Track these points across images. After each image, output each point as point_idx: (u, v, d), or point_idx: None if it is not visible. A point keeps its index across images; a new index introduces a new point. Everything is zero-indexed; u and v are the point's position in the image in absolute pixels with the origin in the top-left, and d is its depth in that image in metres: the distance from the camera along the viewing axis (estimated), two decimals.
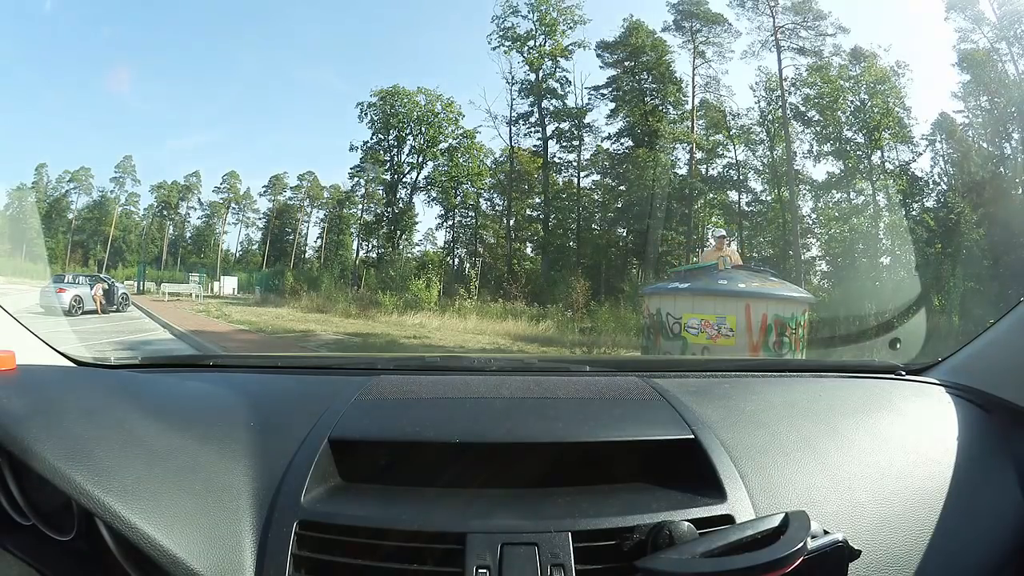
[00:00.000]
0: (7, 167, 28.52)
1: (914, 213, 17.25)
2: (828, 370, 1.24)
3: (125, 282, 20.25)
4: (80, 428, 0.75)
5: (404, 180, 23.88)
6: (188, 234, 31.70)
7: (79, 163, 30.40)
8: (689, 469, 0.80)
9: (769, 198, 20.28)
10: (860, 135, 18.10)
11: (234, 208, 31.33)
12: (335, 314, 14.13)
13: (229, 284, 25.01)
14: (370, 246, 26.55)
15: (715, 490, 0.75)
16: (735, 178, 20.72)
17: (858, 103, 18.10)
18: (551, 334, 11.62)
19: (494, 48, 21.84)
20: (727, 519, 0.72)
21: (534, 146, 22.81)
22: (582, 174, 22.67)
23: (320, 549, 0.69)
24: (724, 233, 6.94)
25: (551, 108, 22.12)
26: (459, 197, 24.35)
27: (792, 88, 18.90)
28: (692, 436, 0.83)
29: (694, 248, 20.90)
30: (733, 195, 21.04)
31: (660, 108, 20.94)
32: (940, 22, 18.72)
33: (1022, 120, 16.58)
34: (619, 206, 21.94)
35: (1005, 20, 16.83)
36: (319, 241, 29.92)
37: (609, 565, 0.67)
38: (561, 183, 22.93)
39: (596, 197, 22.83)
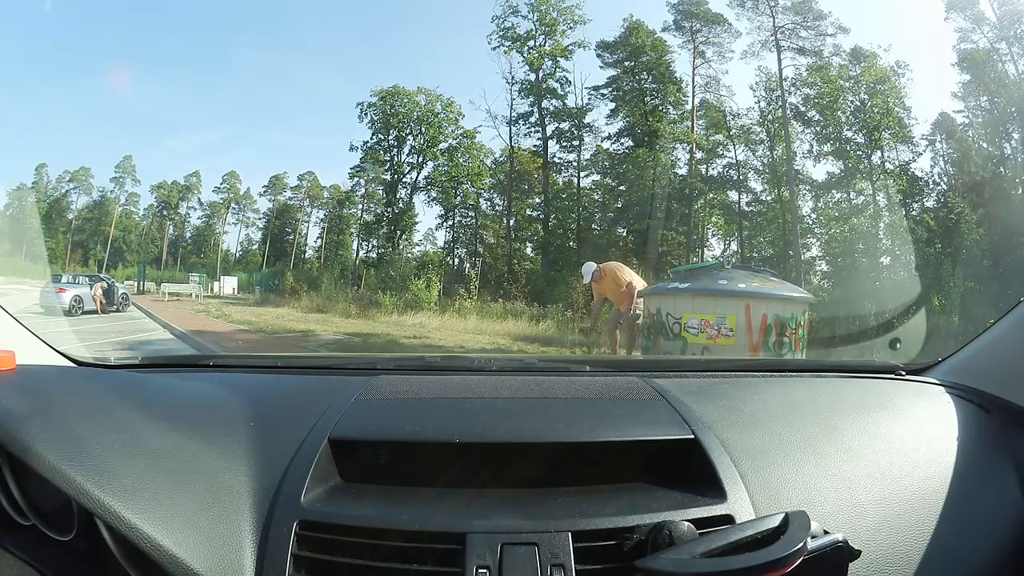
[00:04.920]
0: (7, 167, 28.55)
1: (914, 213, 17.25)
2: (828, 370, 1.24)
3: (125, 282, 20.26)
4: (80, 428, 0.75)
5: (404, 180, 23.93)
6: (188, 234, 31.78)
7: (79, 163, 30.53)
8: (689, 469, 0.80)
9: (769, 198, 20.30)
10: (860, 135, 18.10)
11: (234, 208, 31.39)
12: (335, 314, 14.11)
13: (229, 284, 25.02)
14: (370, 246, 26.63)
15: (715, 490, 0.75)
16: (735, 178, 20.76)
17: (858, 103, 18.11)
18: (551, 334, 11.60)
19: (494, 48, 21.90)
20: (727, 519, 0.72)
21: (534, 146, 22.87)
22: (582, 174, 22.73)
23: (320, 549, 0.69)
24: (595, 266, 6.61)
25: (551, 108, 22.17)
26: (459, 197, 24.37)
27: (792, 88, 18.94)
28: (692, 436, 0.83)
29: (694, 248, 20.93)
30: (733, 195, 21.11)
31: (660, 108, 20.95)
32: (940, 22, 18.74)
33: (1022, 120, 16.59)
34: (619, 206, 21.95)
35: (1005, 20, 16.84)
36: (319, 241, 29.99)
37: (609, 565, 0.67)
38: (561, 183, 22.96)
39: (596, 197, 22.87)
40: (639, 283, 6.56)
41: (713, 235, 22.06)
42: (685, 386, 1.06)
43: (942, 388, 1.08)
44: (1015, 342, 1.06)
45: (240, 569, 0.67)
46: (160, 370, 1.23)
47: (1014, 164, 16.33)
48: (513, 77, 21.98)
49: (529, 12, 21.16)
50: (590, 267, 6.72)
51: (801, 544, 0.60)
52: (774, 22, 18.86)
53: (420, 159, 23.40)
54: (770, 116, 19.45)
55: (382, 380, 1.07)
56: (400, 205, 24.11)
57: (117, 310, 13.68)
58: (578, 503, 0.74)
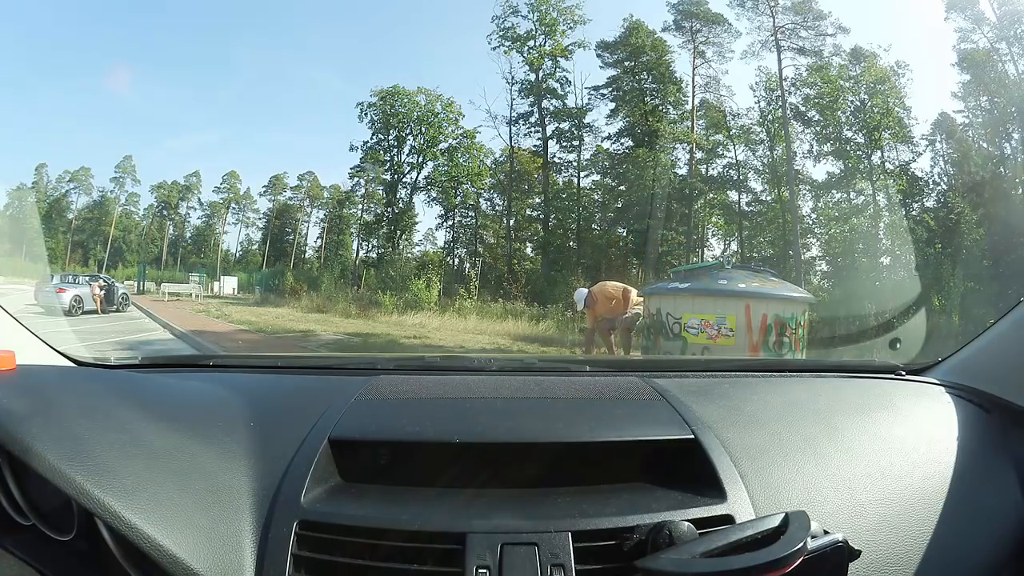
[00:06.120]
0: (7, 167, 28.58)
1: (914, 213, 17.26)
2: (828, 370, 1.24)
3: (125, 282, 20.24)
4: (80, 428, 0.75)
5: (404, 180, 23.94)
6: (188, 234, 31.81)
7: (79, 163, 30.60)
8: (689, 469, 0.80)
9: (769, 198, 20.31)
10: (860, 135, 18.11)
11: (234, 208, 31.41)
12: (335, 314, 14.12)
13: (229, 284, 25.01)
14: (370, 246, 26.65)
15: (715, 490, 0.75)
16: (735, 178, 20.76)
17: (858, 103, 18.11)
18: (551, 334, 11.60)
19: (494, 48, 21.91)
20: (727, 519, 0.72)
21: (534, 146, 22.88)
22: (582, 174, 22.73)
23: (320, 549, 0.69)
24: (586, 292, 6.62)
25: (551, 108, 22.17)
26: (459, 197, 24.38)
27: (792, 88, 18.94)
28: (692, 436, 0.83)
29: (694, 248, 20.93)
30: (733, 195, 21.12)
31: (660, 108, 20.96)
32: (940, 22, 18.76)
33: (1022, 120, 16.58)
34: (619, 206, 21.96)
35: (1005, 20, 16.84)
36: (319, 241, 30.01)
37: (609, 565, 0.67)
38: (561, 183, 22.96)
39: (596, 197, 22.88)
40: (632, 289, 6.56)
41: (713, 235, 22.10)
42: (685, 386, 1.06)
43: (942, 388, 1.08)
44: (1015, 342, 1.06)
45: (240, 569, 0.67)
46: (160, 370, 1.23)
47: (1014, 164, 16.33)
48: (513, 77, 22.02)
49: (529, 12, 21.19)
50: (581, 294, 6.69)
51: (801, 544, 0.60)
52: (774, 22, 18.87)
53: (420, 159, 23.43)
54: (770, 116, 19.46)
55: (382, 380, 1.07)
56: (400, 205, 24.13)
57: (117, 310, 13.67)
58: (578, 503, 0.74)
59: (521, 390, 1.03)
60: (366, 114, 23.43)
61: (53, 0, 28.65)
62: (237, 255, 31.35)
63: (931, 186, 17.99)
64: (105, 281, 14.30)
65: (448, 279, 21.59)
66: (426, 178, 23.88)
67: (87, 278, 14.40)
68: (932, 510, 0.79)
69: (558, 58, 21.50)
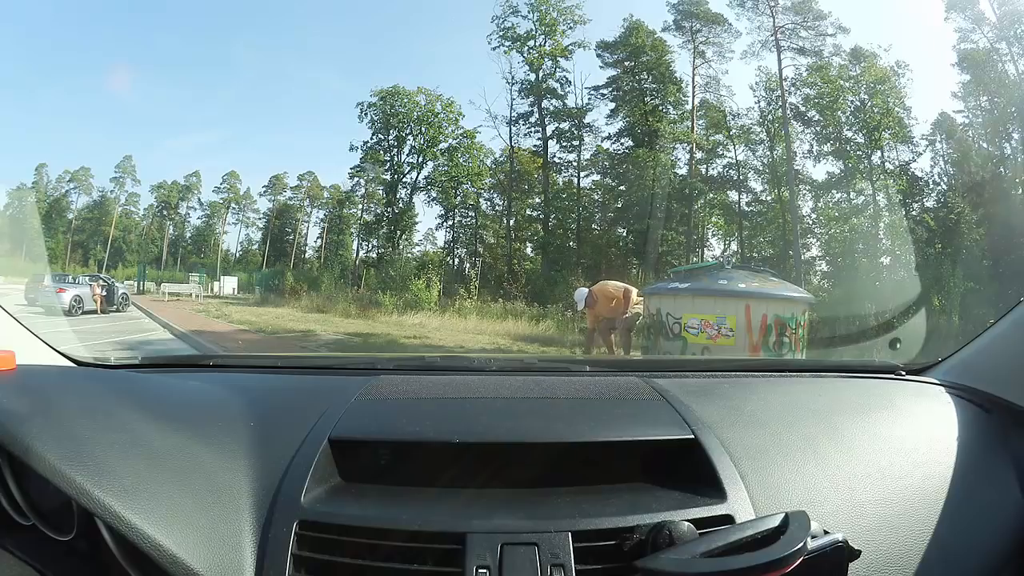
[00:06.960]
0: (7, 167, 28.60)
1: (914, 213, 17.27)
2: (828, 370, 1.24)
3: (125, 282, 20.23)
4: (80, 428, 0.75)
5: (404, 180, 23.92)
6: (188, 234, 31.83)
7: (79, 163, 30.61)
8: (689, 469, 0.80)
9: (769, 198, 20.32)
10: (860, 135, 18.13)
11: (234, 208, 31.44)
12: (335, 314, 14.11)
13: (229, 284, 25.01)
14: (370, 246, 26.67)
15: (715, 490, 0.75)
16: (735, 178, 20.79)
17: (858, 103, 18.13)
18: (551, 334, 11.60)
19: (494, 48, 21.92)
20: (727, 519, 0.72)
21: (534, 146, 22.89)
22: (582, 174, 22.75)
23: (320, 549, 0.69)
24: (586, 292, 6.43)
25: (551, 108, 22.18)
26: (459, 197, 24.38)
27: (792, 88, 18.95)
28: (692, 436, 0.83)
29: (694, 248, 20.94)
30: (733, 195, 21.14)
31: (660, 108, 20.96)
32: (940, 22, 18.78)
33: (1022, 120, 16.59)
34: (619, 206, 21.97)
35: (1005, 20, 16.85)
36: (319, 241, 30.04)
37: (609, 565, 0.67)
38: (561, 183, 22.97)
39: (596, 197, 22.89)
40: (633, 289, 6.52)
41: (713, 235, 22.11)
42: (685, 386, 1.06)
43: (942, 388, 1.08)
44: (1015, 342, 1.06)
45: (240, 569, 0.67)
46: (160, 370, 1.23)
47: (1014, 164, 16.34)
48: (513, 77, 22.03)
49: (529, 12, 21.19)
50: (582, 293, 6.58)
51: (801, 544, 0.59)
52: (774, 22, 18.88)
53: (420, 159, 23.41)
54: (770, 116, 19.48)
55: (382, 380, 1.07)
56: (400, 205, 24.11)
57: (117, 310, 13.66)
58: (578, 503, 0.74)
59: (521, 390, 1.03)
60: (366, 114, 23.47)
61: (53, 0, 28.67)
62: (237, 255, 31.38)
63: (931, 186, 18.04)
64: (105, 281, 14.29)
65: (448, 279, 21.59)
66: (426, 178, 23.90)
67: (87, 278, 14.39)
68: (932, 510, 0.79)
69: (558, 58, 21.53)
